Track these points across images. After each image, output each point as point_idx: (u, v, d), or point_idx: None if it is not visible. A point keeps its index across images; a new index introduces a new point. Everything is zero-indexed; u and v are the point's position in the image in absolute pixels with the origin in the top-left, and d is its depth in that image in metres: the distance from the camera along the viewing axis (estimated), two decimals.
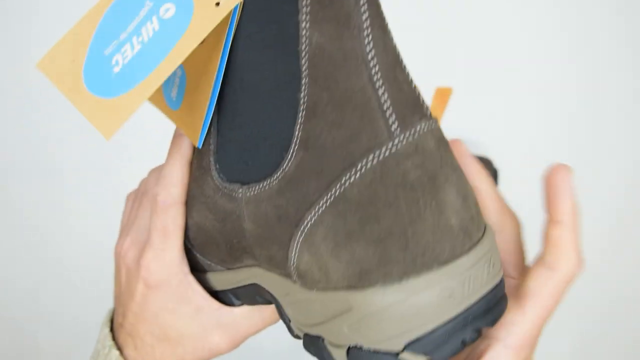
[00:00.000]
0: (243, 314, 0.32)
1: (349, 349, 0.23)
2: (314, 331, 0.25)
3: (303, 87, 0.22)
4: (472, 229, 0.23)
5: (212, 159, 0.27)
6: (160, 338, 0.31)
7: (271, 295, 0.28)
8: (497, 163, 0.63)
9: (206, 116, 0.26)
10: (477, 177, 0.27)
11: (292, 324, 0.27)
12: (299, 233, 0.23)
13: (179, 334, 0.31)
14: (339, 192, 0.22)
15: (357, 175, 0.22)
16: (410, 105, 0.22)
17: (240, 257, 0.28)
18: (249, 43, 0.24)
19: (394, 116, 0.21)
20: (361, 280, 0.22)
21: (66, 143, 0.65)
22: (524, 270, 0.27)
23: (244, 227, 0.26)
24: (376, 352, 0.23)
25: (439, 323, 0.22)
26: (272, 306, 0.31)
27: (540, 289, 0.25)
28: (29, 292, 0.66)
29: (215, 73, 0.25)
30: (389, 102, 0.21)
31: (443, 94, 0.55)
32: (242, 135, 0.25)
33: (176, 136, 0.31)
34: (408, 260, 0.22)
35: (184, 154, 0.31)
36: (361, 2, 0.21)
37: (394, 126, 0.21)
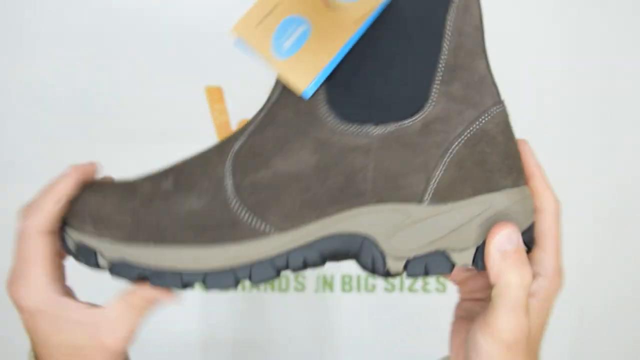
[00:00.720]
0: (117, 312, 0.34)
1: (477, 248, 0.32)
2: (428, 249, 0.32)
3: (442, 61, 0.32)
4: None
5: (324, 108, 0.32)
6: (66, 355, 0.34)
7: (358, 239, 0.33)
8: None
9: (326, 69, 0.32)
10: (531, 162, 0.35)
11: (388, 259, 0.33)
12: (448, 154, 0.32)
13: (76, 347, 0.34)
14: (479, 126, 0.32)
15: (490, 117, 0.33)
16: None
17: (333, 201, 0.32)
18: (396, 20, 0.32)
19: (496, 89, 0.33)
20: (497, 184, 0.32)
21: (66, 144, 0.65)
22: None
23: (370, 160, 0.32)
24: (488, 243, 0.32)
25: (532, 222, 0.33)
26: (143, 296, 0.35)
27: (543, 229, 0.33)
28: None
29: (350, 37, 0.32)
30: (494, 80, 0.33)
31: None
32: (366, 86, 0.32)
33: (61, 177, 0.34)
34: (520, 172, 0.33)
35: (57, 190, 0.34)
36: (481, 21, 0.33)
37: (499, 95, 0.33)
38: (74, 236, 0.35)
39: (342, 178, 0.32)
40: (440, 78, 0.32)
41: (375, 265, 0.33)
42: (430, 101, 0.32)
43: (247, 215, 0.33)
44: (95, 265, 0.35)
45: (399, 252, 0.33)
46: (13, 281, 0.34)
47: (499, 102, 0.33)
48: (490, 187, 0.32)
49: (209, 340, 0.69)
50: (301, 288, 0.69)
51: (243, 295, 0.69)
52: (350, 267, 0.69)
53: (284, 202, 0.33)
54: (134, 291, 0.34)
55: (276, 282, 0.69)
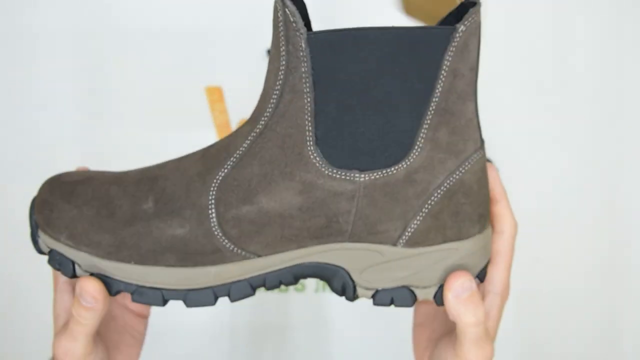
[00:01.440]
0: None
1: (439, 287, 0.35)
2: (395, 284, 0.35)
3: (433, 104, 0.32)
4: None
5: (312, 148, 0.32)
6: None
7: (333, 268, 0.35)
8: (496, 163, 0.63)
9: None
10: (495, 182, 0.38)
11: (358, 288, 0.36)
12: (427, 205, 0.34)
13: None
14: (459, 176, 0.34)
15: (469, 166, 0.34)
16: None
17: (312, 238, 0.34)
18: (392, 59, 0.32)
19: (481, 133, 0.35)
20: (467, 232, 0.35)
21: (66, 144, 0.65)
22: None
23: (353, 205, 0.33)
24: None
25: (488, 259, 0.37)
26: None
27: (500, 248, 0.38)
28: (27, 291, 0.66)
29: None
30: (479, 122, 0.34)
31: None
32: (351, 131, 0.33)
33: (76, 307, 0.35)
34: (487, 218, 0.36)
35: (86, 327, 0.35)
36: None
37: (481, 139, 0.35)
38: (49, 243, 0.35)
39: (324, 219, 0.33)
40: (428, 123, 0.33)
41: (346, 291, 0.36)
42: (416, 148, 0.33)
43: (229, 244, 0.34)
44: (72, 275, 0.35)
45: (369, 283, 0.36)
46: (61, 333, 0.37)
47: (480, 147, 0.34)
48: (459, 235, 0.35)
49: (208, 341, 0.69)
50: (301, 288, 0.69)
51: None
52: None
53: (266, 235, 0.34)
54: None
55: None
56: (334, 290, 0.37)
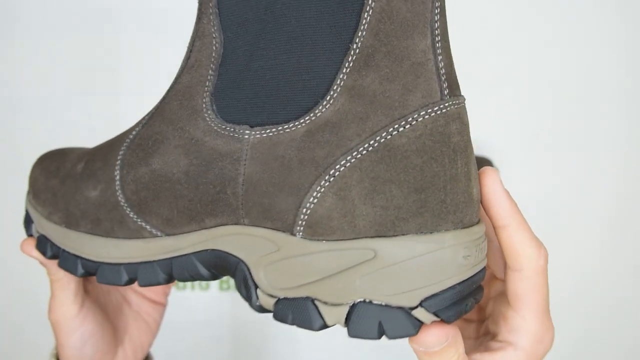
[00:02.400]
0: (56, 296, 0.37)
1: (353, 305, 0.24)
2: (299, 293, 0.25)
3: (357, 39, 0.23)
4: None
5: (207, 99, 0.27)
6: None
7: (234, 260, 0.27)
8: (496, 162, 0.63)
9: None
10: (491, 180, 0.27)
11: (259, 291, 0.27)
12: (327, 177, 0.24)
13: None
14: (385, 139, 0.23)
15: (408, 126, 0.23)
16: (455, 76, 0.25)
17: (208, 213, 0.27)
18: None
19: (446, 82, 0.24)
20: (394, 227, 0.23)
21: (65, 144, 0.65)
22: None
23: (240, 172, 0.26)
24: (388, 307, 0.23)
25: (456, 281, 0.24)
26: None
27: (519, 291, 0.26)
28: (27, 292, 0.66)
29: None
30: (443, 68, 0.24)
31: None
32: (257, 79, 0.26)
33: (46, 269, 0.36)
34: (442, 214, 0.23)
35: (60, 280, 0.36)
36: None
37: (446, 91, 0.24)
38: (26, 202, 0.36)
39: (212, 189, 0.27)
40: (349, 66, 0.24)
41: (248, 295, 0.27)
42: (327, 99, 0.24)
43: (131, 213, 0.30)
44: (31, 235, 0.35)
45: (269, 288, 0.26)
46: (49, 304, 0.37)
47: (436, 102, 0.24)
48: (379, 229, 0.24)
49: (208, 340, 0.69)
50: None
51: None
52: None
53: (162, 206, 0.29)
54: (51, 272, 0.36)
55: None
56: (238, 291, 0.28)
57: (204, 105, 0.27)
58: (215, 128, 0.27)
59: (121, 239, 0.31)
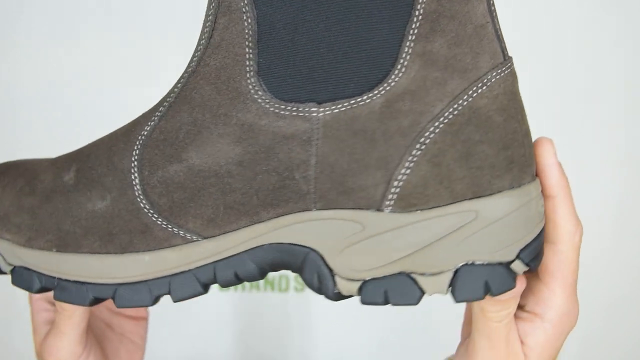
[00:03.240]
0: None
1: (456, 271, 0.24)
2: (390, 270, 0.25)
3: (419, 6, 0.23)
4: None
5: (253, 79, 0.24)
6: None
7: (302, 251, 0.26)
8: None
9: None
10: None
11: (338, 278, 0.25)
12: (418, 145, 0.24)
13: None
14: (468, 102, 0.23)
15: (485, 87, 0.24)
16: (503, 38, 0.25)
17: (267, 204, 0.25)
18: None
19: (503, 43, 0.25)
20: (491, 186, 0.24)
21: (64, 144, 0.65)
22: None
23: (312, 153, 0.24)
24: (490, 265, 0.24)
25: (539, 230, 0.25)
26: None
27: (551, 266, 0.27)
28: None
29: None
30: (499, 30, 0.25)
31: None
32: (309, 53, 0.24)
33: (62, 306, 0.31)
34: (524, 167, 0.25)
35: (73, 318, 0.31)
36: None
37: (505, 51, 0.25)
38: None
39: (275, 176, 0.25)
40: (415, 32, 0.24)
41: (323, 285, 0.26)
42: (398, 67, 0.24)
43: (159, 219, 0.27)
44: None
45: (353, 272, 0.25)
46: (48, 335, 0.33)
47: (502, 63, 0.24)
48: (477, 190, 0.24)
49: (205, 342, 0.69)
50: (301, 288, 0.69)
51: (242, 295, 0.69)
52: None
53: (204, 205, 0.26)
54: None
55: (276, 282, 0.69)
56: (308, 284, 0.26)
57: (250, 87, 0.25)
58: (273, 109, 0.24)
59: (143, 252, 0.27)
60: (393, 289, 0.25)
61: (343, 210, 0.25)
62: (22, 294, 0.32)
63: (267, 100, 0.25)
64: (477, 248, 0.24)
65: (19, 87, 0.64)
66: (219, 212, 0.26)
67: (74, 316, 0.31)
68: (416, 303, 0.25)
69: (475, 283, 0.24)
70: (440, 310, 0.67)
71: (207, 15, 0.25)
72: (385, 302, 0.25)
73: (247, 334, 0.70)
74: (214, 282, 0.27)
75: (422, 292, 0.25)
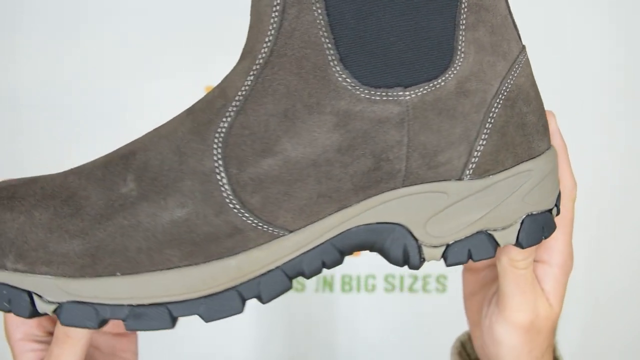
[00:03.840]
0: None
1: (522, 222, 0.29)
2: (470, 230, 0.28)
3: (464, 3, 0.26)
4: None
5: (338, 67, 0.25)
6: None
7: (388, 228, 0.28)
8: None
9: None
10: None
11: (424, 247, 0.28)
12: (489, 119, 0.27)
13: None
14: (513, 80, 0.28)
15: (520, 68, 0.28)
16: None
17: (358, 188, 0.26)
18: None
19: (518, 30, 0.29)
20: (538, 148, 0.29)
21: (65, 144, 0.65)
22: None
23: (404, 134, 0.26)
24: (542, 213, 0.29)
25: (559, 190, 0.31)
26: None
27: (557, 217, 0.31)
28: None
29: None
30: (514, 20, 0.29)
31: None
32: (380, 41, 0.25)
33: (57, 344, 0.28)
34: (548, 132, 0.30)
35: (78, 352, 0.29)
36: None
37: (521, 39, 0.29)
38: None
39: (371, 159, 0.26)
40: (464, 22, 0.26)
41: (410, 257, 0.28)
42: (458, 52, 0.26)
43: (251, 219, 0.26)
44: (32, 313, 0.26)
45: (437, 238, 0.28)
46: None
47: (523, 47, 0.29)
48: (530, 152, 0.28)
49: (210, 343, 0.69)
50: (301, 288, 0.69)
51: None
52: (350, 267, 0.69)
53: (298, 197, 0.26)
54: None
55: None
56: (392, 259, 0.28)
57: (337, 75, 0.25)
58: (364, 95, 0.25)
59: (229, 257, 0.26)
60: (475, 246, 0.28)
61: (429, 183, 0.27)
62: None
63: (358, 87, 0.25)
64: (535, 200, 0.29)
65: (22, 88, 0.65)
66: (311, 202, 0.26)
67: (78, 345, 0.29)
68: (493, 255, 0.29)
69: (536, 230, 0.29)
70: (435, 314, 0.67)
71: (267, 7, 0.25)
72: (468, 260, 0.28)
73: (247, 334, 0.70)
74: (301, 274, 0.27)
75: (497, 245, 0.29)
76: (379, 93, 0.26)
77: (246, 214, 0.25)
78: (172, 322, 0.26)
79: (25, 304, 0.26)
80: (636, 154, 0.69)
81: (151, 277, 0.25)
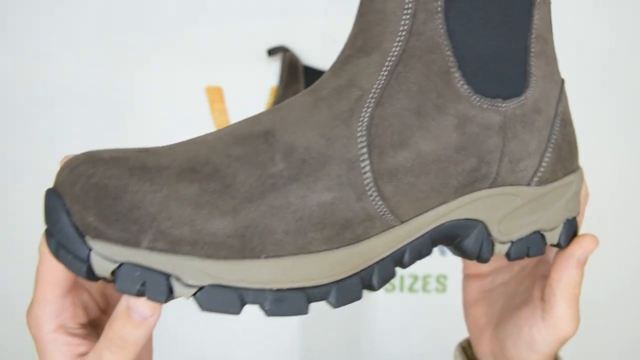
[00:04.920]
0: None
1: (563, 225, 0.33)
2: (528, 230, 0.32)
3: (533, 28, 0.29)
4: None
5: (458, 74, 0.28)
6: None
7: (472, 224, 0.30)
8: None
9: None
10: None
11: (497, 243, 0.31)
12: (552, 136, 0.31)
13: None
14: (561, 106, 0.31)
15: (563, 96, 0.32)
16: None
17: (462, 185, 0.29)
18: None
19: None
20: (574, 165, 0.33)
21: (66, 144, 0.65)
22: None
23: (500, 142, 0.29)
24: (574, 219, 0.33)
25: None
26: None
27: None
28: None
29: None
30: None
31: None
32: (489, 56, 0.28)
33: (120, 325, 0.26)
34: (578, 155, 0.34)
35: (134, 349, 0.26)
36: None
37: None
38: (116, 254, 0.23)
39: (475, 161, 0.28)
40: (533, 50, 0.30)
41: (483, 250, 0.31)
42: (532, 75, 0.30)
43: (381, 207, 0.26)
44: (167, 296, 0.23)
45: (506, 235, 0.31)
46: (30, 303, 0.29)
47: (563, 81, 0.32)
48: (572, 167, 0.33)
49: (212, 345, 0.69)
50: None
51: None
52: None
53: (419, 189, 0.27)
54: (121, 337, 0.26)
55: None
56: (466, 252, 0.31)
57: (456, 81, 0.28)
58: (477, 102, 0.28)
59: (356, 244, 0.26)
60: (532, 244, 0.32)
61: (508, 186, 0.30)
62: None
63: (471, 94, 0.28)
64: (572, 207, 0.33)
65: (22, 87, 0.64)
66: (425, 195, 0.28)
67: (134, 352, 0.26)
68: (544, 252, 0.32)
69: (572, 233, 0.33)
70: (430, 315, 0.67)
71: (398, 8, 0.27)
72: (526, 255, 0.32)
73: (248, 334, 0.70)
74: (401, 264, 0.29)
75: (546, 244, 0.32)
76: (486, 101, 0.28)
77: (379, 202, 0.26)
78: (307, 307, 0.25)
79: (162, 288, 0.23)
80: (636, 154, 0.69)
81: (294, 260, 0.24)
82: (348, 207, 0.25)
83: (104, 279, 0.24)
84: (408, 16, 0.27)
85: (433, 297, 0.70)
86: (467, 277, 0.40)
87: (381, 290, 0.70)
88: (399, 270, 0.69)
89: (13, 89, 0.64)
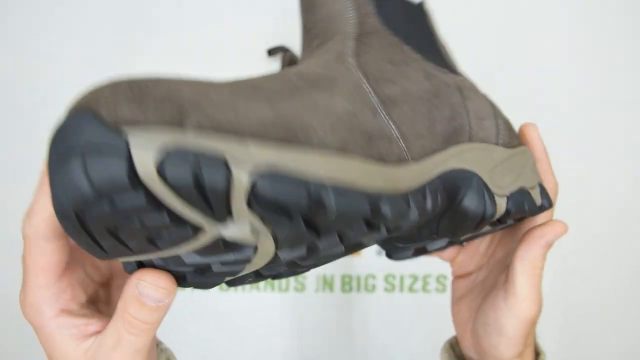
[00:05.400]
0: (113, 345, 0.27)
1: (539, 185, 0.34)
2: (514, 187, 0.33)
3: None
4: None
5: (406, 47, 0.33)
6: None
7: (470, 175, 0.31)
8: None
9: None
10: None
11: (495, 196, 0.32)
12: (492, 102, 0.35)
13: None
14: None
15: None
16: None
17: (452, 132, 0.32)
18: None
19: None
20: (519, 140, 0.36)
21: None
22: None
23: (461, 98, 0.33)
24: (544, 186, 0.35)
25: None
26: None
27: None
28: None
29: None
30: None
31: None
32: (421, 40, 0.36)
33: (134, 309, 0.25)
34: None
35: (148, 334, 0.26)
36: None
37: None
38: (161, 139, 0.19)
39: (448, 109, 0.32)
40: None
41: (486, 205, 0.31)
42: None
43: (394, 132, 0.27)
44: (227, 182, 0.20)
45: (500, 189, 0.32)
46: (21, 291, 0.28)
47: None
48: (519, 141, 0.36)
49: (209, 343, 0.69)
50: (301, 288, 0.69)
51: (242, 295, 0.69)
52: (350, 267, 0.69)
53: (418, 124, 0.30)
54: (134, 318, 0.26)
55: (276, 282, 0.69)
56: (471, 208, 0.30)
57: (408, 50, 0.33)
58: (431, 65, 0.33)
59: (379, 163, 0.25)
60: (524, 198, 0.33)
61: (483, 143, 0.33)
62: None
63: (424, 60, 0.33)
64: (537, 176, 0.35)
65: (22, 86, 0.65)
66: (423, 134, 0.30)
67: (153, 331, 0.26)
68: (537, 210, 0.34)
69: (545, 196, 0.35)
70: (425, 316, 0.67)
71: (344, 8, 0.33)
72: (524, 211, 0.33)
73: (247, 334, 0.70)
74: (423, 204, 0.27)
75: (534, 202, 0.34)
76: (437, 67, 0.33)
77: (391, 123, 0.28)
78: (369, 210, 0.24)
79: (222, 172, 0.20)
80: (636, 154, 0.69)
81: (340, 158, 0.23)
82: (367, 120, 0.26)
83: (146, 187, 0.19)
84: (352, 14, 0.32)
85: (433, 297, 0.70)
86: (455, 278, 0.42)
87: (381, 289, 0.71)
88: (399, 270, 0.69)
89: (13, 89, 0.64)
